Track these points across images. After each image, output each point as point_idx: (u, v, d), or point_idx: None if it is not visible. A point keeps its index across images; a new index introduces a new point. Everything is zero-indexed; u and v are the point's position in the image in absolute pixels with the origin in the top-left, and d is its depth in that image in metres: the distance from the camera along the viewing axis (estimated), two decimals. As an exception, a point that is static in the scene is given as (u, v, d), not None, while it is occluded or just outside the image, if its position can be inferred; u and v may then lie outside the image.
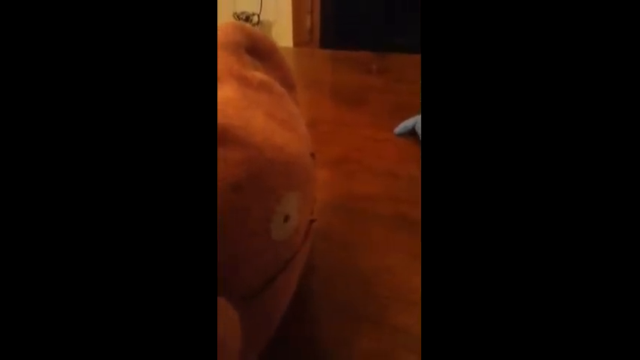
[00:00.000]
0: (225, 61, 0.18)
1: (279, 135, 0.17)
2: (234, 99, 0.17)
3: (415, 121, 0.49)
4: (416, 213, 0.37)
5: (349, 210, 0.37)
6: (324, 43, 1.74)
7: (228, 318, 0.15)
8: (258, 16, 1.85)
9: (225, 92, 0.17)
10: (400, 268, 0.31)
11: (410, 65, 0.76)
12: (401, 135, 0.50)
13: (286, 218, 0.18)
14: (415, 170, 0.43)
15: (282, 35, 1.84)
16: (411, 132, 0.50)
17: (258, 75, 0.19)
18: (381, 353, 0.25)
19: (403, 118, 0.51)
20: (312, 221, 0.22)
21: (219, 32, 0.19)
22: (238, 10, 1.87)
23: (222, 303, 0.15)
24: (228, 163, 0.15)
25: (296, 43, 1.79)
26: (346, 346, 0.25)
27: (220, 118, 0.15)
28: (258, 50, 0.22)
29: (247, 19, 1.82)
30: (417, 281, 0.30)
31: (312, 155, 0.22)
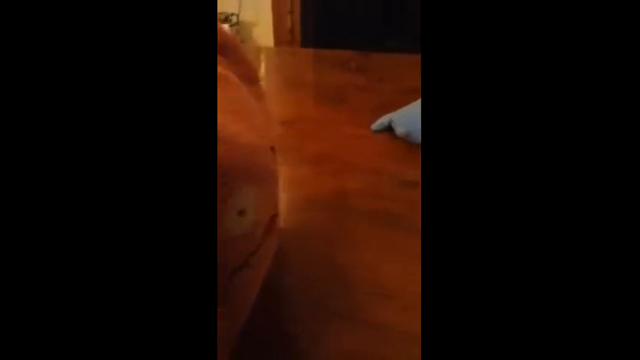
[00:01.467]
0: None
1: (231, 127, 0.17)
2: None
3: (390, 118, 0.50)
4: (395, 208, 0.37)
5: (330, 207, 0.37)
6: (305, 43, 1.73)
7: None
8: (237, 16, 1.83)
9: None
10: (379, 263, 0.31)
11: (391, 64, 0.76)
12: (378, 132, 0.50)
13: (241, 212, 0.17)
14: (395, 166, 0.44)
15: (263, 35, 1.83)
16: (388, 128, 0.50)
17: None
18: (358, 349, 0.24)
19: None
20: (274, 216, 0.22)
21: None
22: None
23: None
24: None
25: (277, 43, 1.77)
26: (323, 343, 0.25)
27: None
28: (218, 45, 0.21)
29: (226, 19, 1.80)
30: (394, 275, 0.29)
31: (273, 149, 0.21)
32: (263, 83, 0.69)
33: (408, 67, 0.73)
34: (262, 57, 0.85)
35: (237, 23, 1.84)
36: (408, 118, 0.48)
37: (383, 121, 0.50)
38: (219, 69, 0.19)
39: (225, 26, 1.70)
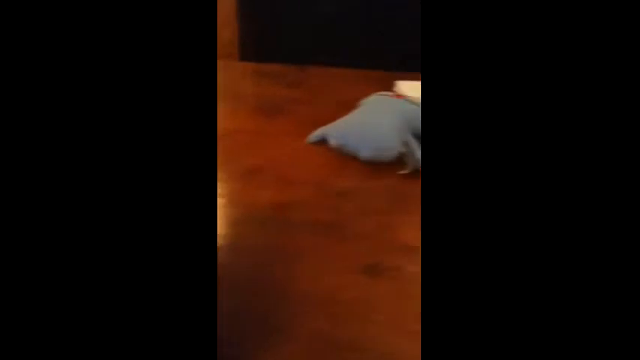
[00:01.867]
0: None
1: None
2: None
3: (325, 130, 0.51)
4: (329, 217, 0.37)
5: (268, 220, 0.37)
6: (244, 57, 1.72)
7: None
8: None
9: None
10: (317, 273, 0.31)
11: (326, 78, 0.78)
12: (314, 143, 0.51)
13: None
14: (331, 177, 0.44)
15: (200, 48, 1.79)
16: (323, 140, 0.51)
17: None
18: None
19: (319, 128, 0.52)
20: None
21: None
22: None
23: None
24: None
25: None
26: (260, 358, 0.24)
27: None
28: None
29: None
30: (328, 283, 0.30)
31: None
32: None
33: (343, 80, 0.75)
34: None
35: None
36: (343, 130, 0.49)
37: (318, 133, 0.51)
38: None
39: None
